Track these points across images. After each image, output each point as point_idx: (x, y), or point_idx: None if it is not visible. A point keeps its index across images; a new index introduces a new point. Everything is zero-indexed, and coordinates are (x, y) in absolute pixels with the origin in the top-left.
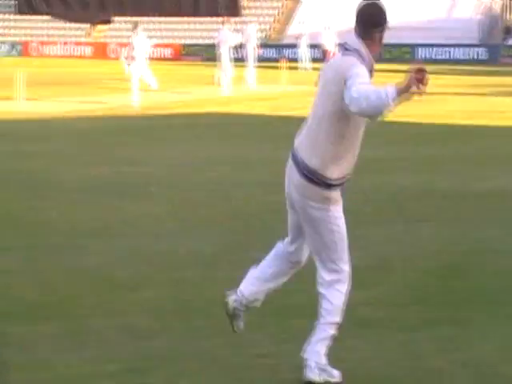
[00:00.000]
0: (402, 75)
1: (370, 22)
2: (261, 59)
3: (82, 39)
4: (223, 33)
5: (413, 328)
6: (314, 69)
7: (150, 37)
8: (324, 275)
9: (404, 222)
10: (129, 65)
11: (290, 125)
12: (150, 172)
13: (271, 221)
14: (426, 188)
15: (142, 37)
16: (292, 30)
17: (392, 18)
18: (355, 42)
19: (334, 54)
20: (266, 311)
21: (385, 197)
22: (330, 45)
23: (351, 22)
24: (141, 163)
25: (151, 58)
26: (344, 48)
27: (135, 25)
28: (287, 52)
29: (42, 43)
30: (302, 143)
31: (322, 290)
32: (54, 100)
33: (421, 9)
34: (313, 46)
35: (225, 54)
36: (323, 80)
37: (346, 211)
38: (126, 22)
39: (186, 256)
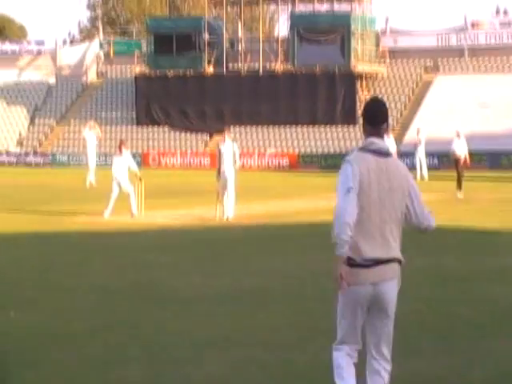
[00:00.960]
0: None
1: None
2: None
3: (201, 149)
4: (226, 144)
5: None
6: (432, 177)
7: (266, 146)
8: (387, 367)
9: None
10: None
11: (405, 234)
12: (268, 283)
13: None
14: None
15: (228, 144)
16: (409, 138)
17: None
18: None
19: (464, 162)
20: None
21: (509, 308)
22: (462, 152)
23: (470, 127)
24: (259, 273)
25: (268, 167)
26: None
27: (223, 133)
28: (405, 160)
29: (161, 154)
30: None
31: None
32: (172, 210)
33: None
34: (429, 154)
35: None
36: (388, 180)
37: (469, 322)
38: (242, 132)
39: (303, 365)
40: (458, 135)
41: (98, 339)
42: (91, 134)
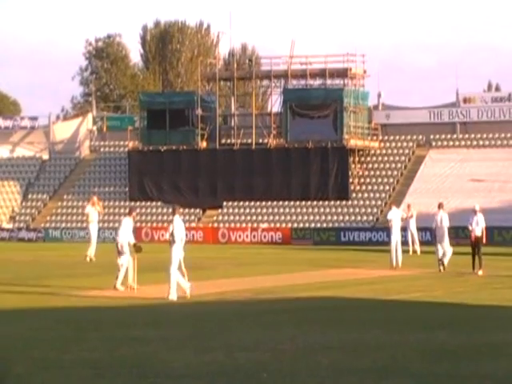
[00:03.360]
0: None
1: None
2: (371, 243)
3: (193, 224)
4: (176, 221)
5: None
6: (423, 252)
7: (259, 221)
8: None
9: None
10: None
11: (399, 309)
12: (261, 358)
13: None
14: None
15: (178, 221)
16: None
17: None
18: None
19: (477, 238)
20: None
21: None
22: (478, 229)
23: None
24: (251, 348)
25: (261, 242)
26: None
27: (173, 209)
28: None
29: (154, 228)
30: None
31: None
32: (163, 285)
33: None
34: (422, 229)
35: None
36: None
37: None
38: (235, 206)
39: None
40: (475, 211)
41: None
42: (93, 210)
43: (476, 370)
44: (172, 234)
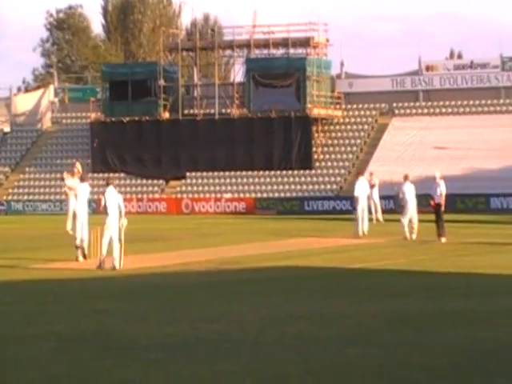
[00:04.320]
0: (476, 225)
1: None
2: (335, 211)
3: (156, 195)
4: (109, 193)
5: None
6: (387, 220)
7: (222, 191)
8: None
9: (483, 377)
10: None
11: (363, 277)
12: (225, 329)
13: (348, 376)
14: (505, 342)
15: (111, 193)
16: None
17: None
18: None
19: (437, 206)
20: None
21: (463, 351)
22: (438, 197)
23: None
24: (216, 319)
25: (225, 212)
26: None
27: (107, 182)
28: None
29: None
30: None
31: None
32: (130, 257)
33: (495, 159)
34: (385, 197)
35: None
36: None
37: (424, 366)
38: (198, 177)
39: None
40: (436, 179)
41: None
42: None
43: (440, 337)
44: (105, 206)
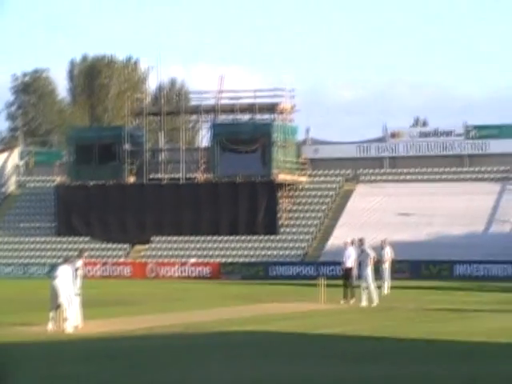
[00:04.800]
0: (440, 292)
1: None
2: (299, 277)
3: (122, 259)
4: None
5: None
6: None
7: (188, 255)
8: None
9: None
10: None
11: (327, 343)
12: None
13: None
14: None
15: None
16: (330, 247)
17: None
18: None
19: (347, 270)
20: None
21: None
22: (349, 262)
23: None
24: None
25: (190, 277)
26: None
27: (80, 252)
28: (325, 269)
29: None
30: None
31: None
32: (94, 321)
33: (459, 225)
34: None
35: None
36: None
37: None
38: (164, 241)
39: None
40: (346, 243)
41: None
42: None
43: None
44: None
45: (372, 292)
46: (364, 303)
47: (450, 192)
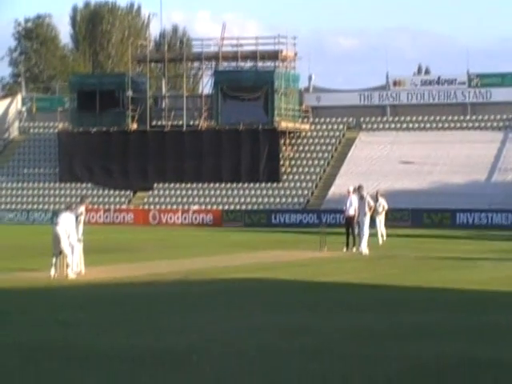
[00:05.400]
0: (442, 241)
1: None
2: (302, 225)
3: (124, 206)
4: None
5: None
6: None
7: (190, 203)
8: None
9: None
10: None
11: (327, 291)
12: (189, 340)
13: None
14: (465, 356)
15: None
16: (332, 195)
17: (432, 184)
18: None
19: (349, 218)
20: None
21: (424, 365)
22: (351, 210)
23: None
24: (180, 331)
25: (192, 224)
26: None
27: (82, 199)
28: (326, 217)
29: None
30: None
31: None
32: (96, 268)
33: (461, 174)
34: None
35: None
36: None
37: (387, 379)
38: (166, 188)
39: None
40: (349, 192)
41: None
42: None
43: (401, 351)
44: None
45: (364, 240)
46: (365, 251)
47: (453, 140)
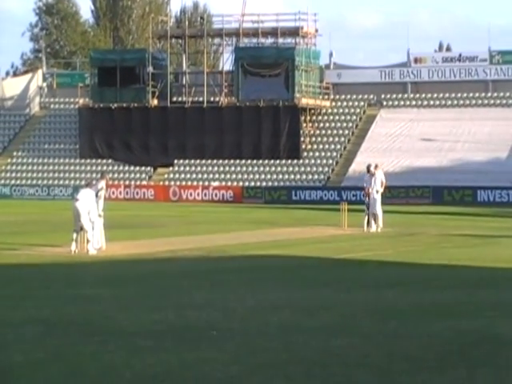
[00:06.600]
0: (463, 218)
1: None
2: (322, 202)
3: (144, 182)
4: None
5: None
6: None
7: (210, 179)
8: None
9: (466, 368)
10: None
11: (349, 268)
12: (211, 316)
13: (333, 366)
14: (487, 334)
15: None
16: (352, 172)
17: (453, 162)
18: None
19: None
20: None
21: (446, 342)
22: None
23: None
24: (201, 307)
25: (212, 201)
26: None
27: (102, 174)
28: (347, 194)
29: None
30: None
31: None
32: (117, 243)
33: (482, 151)
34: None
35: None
36: None
37: (408, 357)
38: (186, 165)
39: None
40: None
41: (40, 372)
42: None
43: (424, 328)
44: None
45: (377, 217)
46: (379, 227)
47: (474, 118)
